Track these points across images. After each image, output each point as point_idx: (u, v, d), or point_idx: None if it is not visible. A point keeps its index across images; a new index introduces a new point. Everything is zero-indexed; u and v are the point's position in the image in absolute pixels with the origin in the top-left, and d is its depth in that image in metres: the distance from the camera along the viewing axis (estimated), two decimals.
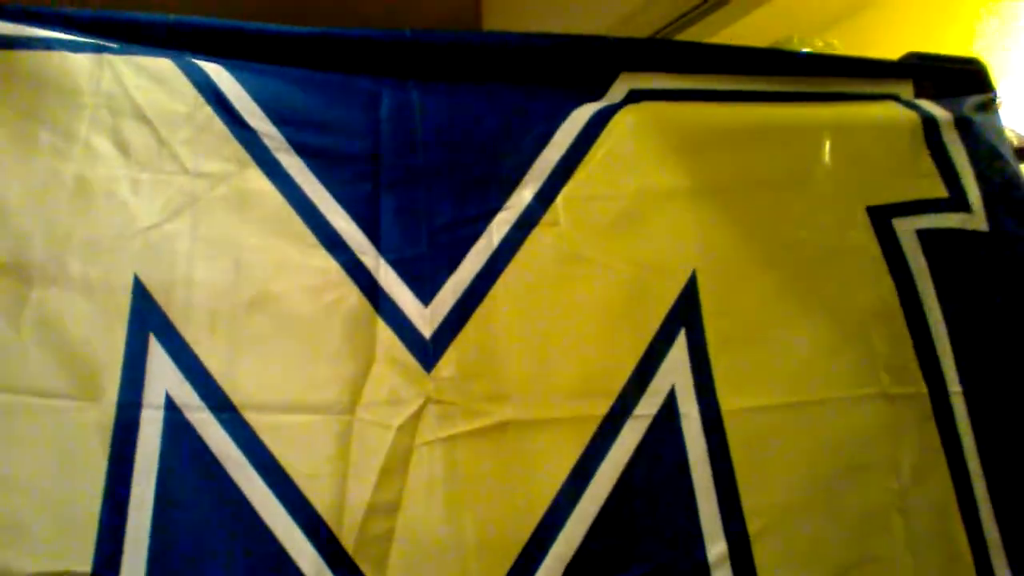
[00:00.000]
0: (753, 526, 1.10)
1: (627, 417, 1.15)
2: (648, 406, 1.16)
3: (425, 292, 1.19)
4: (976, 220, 1.32)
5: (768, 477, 1.14)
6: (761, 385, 1.19)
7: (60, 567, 0.99)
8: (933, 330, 1.25)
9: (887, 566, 1.12)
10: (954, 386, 1.22)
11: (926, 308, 1.26)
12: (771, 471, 1.14)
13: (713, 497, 1.12)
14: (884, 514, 1.15)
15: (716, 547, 1.09)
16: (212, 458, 1.07)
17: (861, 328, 1.24)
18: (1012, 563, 1.15)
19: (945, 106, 1.41)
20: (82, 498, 1.02)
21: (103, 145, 1.20)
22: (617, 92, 1.37)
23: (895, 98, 1.43)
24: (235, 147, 1.23)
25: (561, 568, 1.07)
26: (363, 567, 1.04)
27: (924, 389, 1.22)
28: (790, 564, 1.10)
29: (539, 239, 1.24)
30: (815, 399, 1.18)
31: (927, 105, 1.42)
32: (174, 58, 1.26)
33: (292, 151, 1.25)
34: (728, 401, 1.17)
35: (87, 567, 0.99)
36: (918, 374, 1.22)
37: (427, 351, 1.16)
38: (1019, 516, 1.17)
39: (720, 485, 1.12)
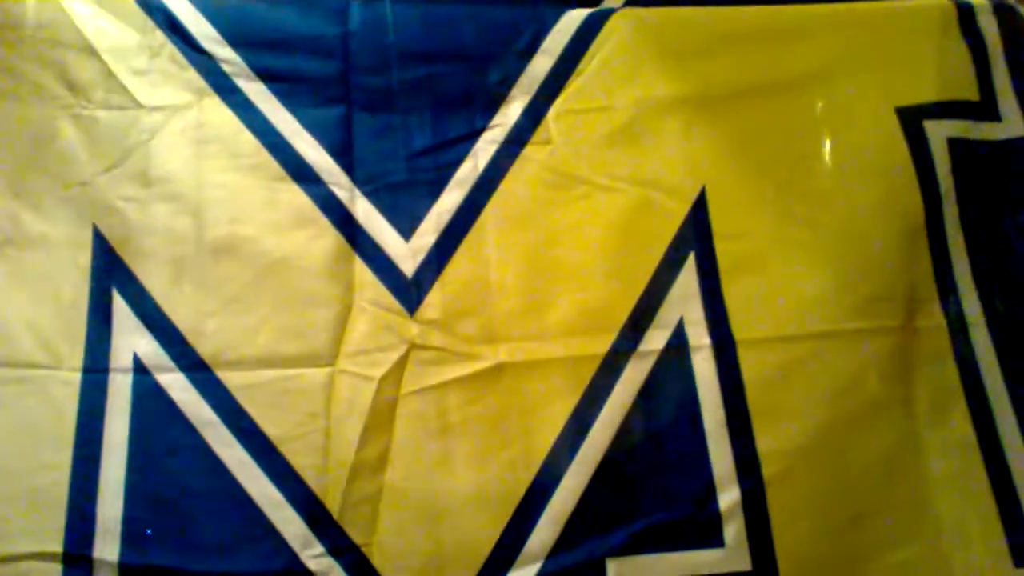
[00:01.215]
0: (768, 470, 1.01)
1: (631, 354, 1.05)
2: (654, 340, 1.06)
3: (405, 225, 1.09)
4: (1006, 128, 1.17)
5: (784, 416, 1.04)
6: (778, 314, 1.07)
7: (31, 548, 0.94)
8: (954, 257, 1.11)
9: (906, 512, 1.03)
10: (974, 317, 1.09)
11: (949, 231, 1.12)
12: (787, 410, 1.04)
13: (726, 440, 1.02)
14: (899, 457, 1.04)
15: (728, 495, 1.01)
16: (186, 423, 1.00)
17: (883, 253, 1.10)
18: None
19: None
20: (51, 474, 0.97)
21: (49, 82, 1.11)
22: (611, 3, 1.22)
23: None
24: (191, 75, 1.12)
25: (561, 523, 0.99)
26: (350, 531, 0.98)
27: (943, 321, 1.09)
28: (805, 512, 1.01)
29: (530, 160, 1.12)
30: (834, 330, 1.07)
31: None
32: None
33: (254, 76, 1.13)
34: (743, 331, 1.06)
35: (58, 547, 0.94)
36: (936, 305, 1.09)
37: (409, 292, 1.06)
38: None
39: (734, 426, 1.03)
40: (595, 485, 1.01)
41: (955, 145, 1.14)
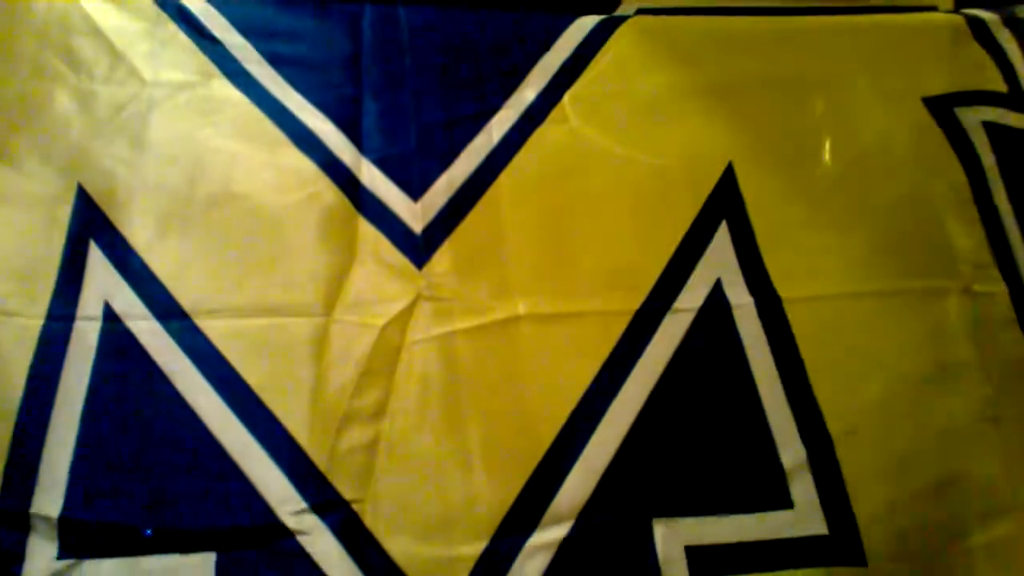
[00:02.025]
0: (835, 426, 0.87)
1: (667, 311, 0.94)
2: (691, 300, 0.95)
3: (415, 188, 1.01)
4: None
5: (846, 372, 0.91)
6: (825, 274, 0.98)
7: None
8: (1007, 227, 1.04)
9: (980, 482, 0.88)
10: None
11: (998, 203, 1.06)
12: (849, 365, 0.91)
13: (782, 394, 0.89)
14: (976, 424, 0.91)
15: (792, 452, 0.85)
16: (156, 370, 0.87)
17: (932, 217, 1.03)
18: None
19: (991, 10, 1.26)
20: None
21: (52, 60, 1.07)
22: (623, 12, 1.22)
23: (933, 10, 1.28)
24: (201, 60, 1.10)
25: (593, 481, 0.83)
26: (339, 486, 0.82)
27: (1004, 288, 1.00)
28: (882, 474, 0.86)
29: (547, 133, 1.06)
30: (889, 289, 0.97)
31: (970, 11, 1.26)
32: None
33: (264, 61, 1.10)
34: (789, 290, 0.95)
35: None
36: (996, 272, 1.01)
37: (417, 246, 0.96)
38: None
39: (789, 380, 0.89)
40: (633, 441, 0.86)
41: (991, 128, 1.10)
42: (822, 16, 1.22)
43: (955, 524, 0.85)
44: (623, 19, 1.18)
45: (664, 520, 0.81)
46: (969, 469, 0.88)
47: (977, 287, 0.99)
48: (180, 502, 0.80)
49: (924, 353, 0.93)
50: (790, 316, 0.94)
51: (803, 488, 0.84)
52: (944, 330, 0.95)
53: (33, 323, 0.89)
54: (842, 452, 0.86)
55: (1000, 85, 1.16)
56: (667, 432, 0.86)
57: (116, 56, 1.08)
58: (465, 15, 1.18)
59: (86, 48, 1.08)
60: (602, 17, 1.19)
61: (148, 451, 0.83)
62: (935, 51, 1.18)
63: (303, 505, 0.80)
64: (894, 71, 1.15)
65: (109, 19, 1.11)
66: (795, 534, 0.82)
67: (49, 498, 0.80)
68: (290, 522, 0.79)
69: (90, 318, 0.90)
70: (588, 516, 0.81)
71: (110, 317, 0.90)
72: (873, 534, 0.82)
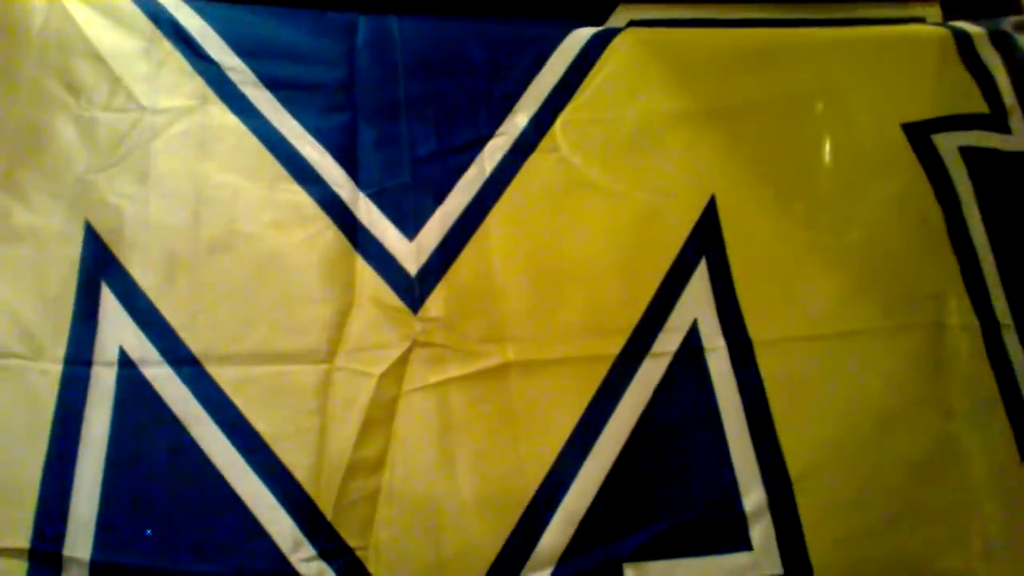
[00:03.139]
0: (795, 469, 0.95)
1: (644, 355, 1.00)
2: (668, 343, 1.01)
3: (409, 225, 1.06)
4: (1018, 140, 1.17)
5: (809, 414, 0.98)
6: (796, 314, 1.04)
7: None
8: (981, 258, 1.09)
9: (949, 517, 0.96)
10: (1006, 319, 1.06)
11: (973, 234, 1.10)
12: (812, 408, 0.99)
13: (747, 438, 0.97)
14: (938, 459, 0.99)
15: (753, 496, 0.94)
16: (172, 418, 0.94)
17: (904, 253, 1.08)
18: None
19: (978, 24, 1.26)
20: (22, 467, 0.91)
21: (52, 86, 1.09)
22: (615, 24, 1.23)
23: (921, 22, 1.29)
24: (197, 82, 1.11)
25: (571, 528, 0.92)
26: (344, 534, 0.91)
27: (974, 320, 1.05)
28: (837, 513, 0.95)
29: (537, 165, 1.10)
30: (857, 329, 1.03)
31: (957, 24, 1.27)
32: None
33: (260, 84, 1.12)
34: (759, 332, 1.02)
35: (25, 543, 0.87)
36: (967, 304, 1.06)
37: (412, 289, 1.02)
38: None
39: (755, 424, 0.97)
40: (610, 487, 0.94)
41: (968, 153, 1.14)
42: (811, 29, 1.24)
43: (910, 559, 0.94)
44: (615, 32, 1.20)
45: (634, 564, 0.91)
46: (925, 503, 0.96)
47: (947, 320, 1.05)
48: (201, 547, 0.89)
49: (887, 391, 1.00)
50: (759, 360, 1.00)
51: (762, 530, 0.93)
52: (909, 367, 1.02)
53: (54, 368, 0.95)
54: (800, 494, 0.94)
55: (981, 106, 1.18)
56: (640, 478, 0.95)
57: (114, 80, 1.10)
58: (458, 26, 1.19)
59: (85, 72, 1.10)
60: (595, 30, 1.20)
61: (169, 497, 0.91)
62: (919, 73, 1.19)
63: (312, 552, 0.89)
64: (877, 95, 1.18)
65: (105, 39, 1.12)
66: (753, 575, 0.91)
67: (80, 541, 0.88)
68: (302, 568, 0.89)
69: (107, 363, 0.96)
70: (566, 562, 0.91)
71: (126, 363, 0.96)
72: (827, 572, 0.92)
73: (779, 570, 0.92)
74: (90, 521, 0.89)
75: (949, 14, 1.30)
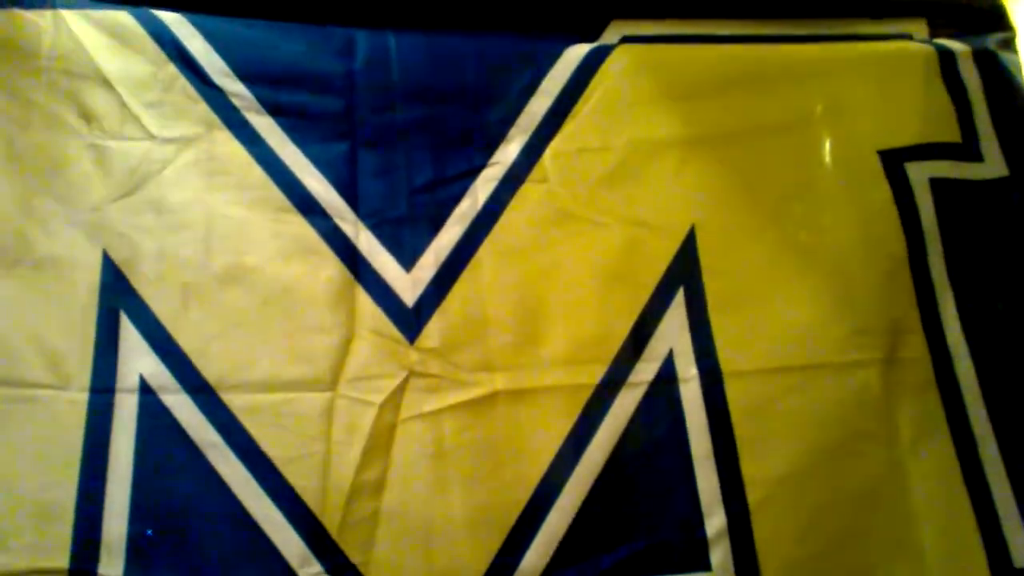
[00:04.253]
0: (753, 497, 1.05)
1: (622, 385, 1.09)
2: (644, 372, 1.10)
3: (406, 257, 1.13)
4: (988, 168, 1.23)
5: (769, 445, 1.08)
6: (764, 347, 1.12)
7: (37, 564, 0.96)
8: (938, 289, 1.17)
9: (890, 537, 1.07)
10: (959, 349, 1.14)
11: (932, 265, 1.17)
12: (772, 439, 1.08)
13: (712, 467, 1.06)
14: (883, 485, 1.08)
15: (715, 521, 1.05)
16: (190, 443, 1.03)
17: (867, 289, 1.15)
18: None
19: (963, 41, 1.31)
20: (57, 491, 0.99)
21: (63, 112, 1.14)
22: (608, 40, 1.28)
23: (908, 38, 1.33)
24: (202, 108, 1.16)
25: (553, 546, 1.03)
26: (348, 551, 1.01)
27: (926, 352, 1.14)
28: (789, 537, 1.05)
29: (526, 197, 1.17)
30: (819, 363, 1.11)
31: (943, 41, 1.31)
32: (132, 11, 1.18)
33: (263, 111, 1.17)
34: (729, 364, 1.11)
35: (64, 563, 0.97)
36: (921, 337, 1.14)
37: (410, 321, 1.10)
38: None
39: (720, 454, 1.07)
40: (587, 509, 1.04)
41: (938, 185, 1.20)
42: (801, 46, 1.29)
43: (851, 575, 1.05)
44: (607, 52, 1.24)
45: None
46: (870, 527, 1.06)
47: (901, 354, 1.13)
48: (218, 566, 0.99)
49: (841, 424, 1.09)
50: (728, 391, 1.09)
51: (721, 553, 1.03)
52: (860, 400, 1.10)
53: (80, 396, 1.03)
54: (757, 520, 1.04)
55: (955, 135, 1.24)
56: (613, 503, 1.05)
57: (123, 107, 1.15)
58: (454, 44, 1.24)
59: (94, 98, 1.14)
60: (588, 48, 1.25)
61: (190, 520, 1.00)
62: (901, 96, 1.25)
63: (319, 568, 1.00)
64: (858, 120, 1.24)
65: (112, 63, 1.16)
66: None
67: (112, 560, 0.97)
68: None
69: (129, 390, 1.04)
70: None
71: (145, 390, 1.04)
72: None
73: None
74: (121, 541, 0.98)
75: (935, 30, 1.35)
